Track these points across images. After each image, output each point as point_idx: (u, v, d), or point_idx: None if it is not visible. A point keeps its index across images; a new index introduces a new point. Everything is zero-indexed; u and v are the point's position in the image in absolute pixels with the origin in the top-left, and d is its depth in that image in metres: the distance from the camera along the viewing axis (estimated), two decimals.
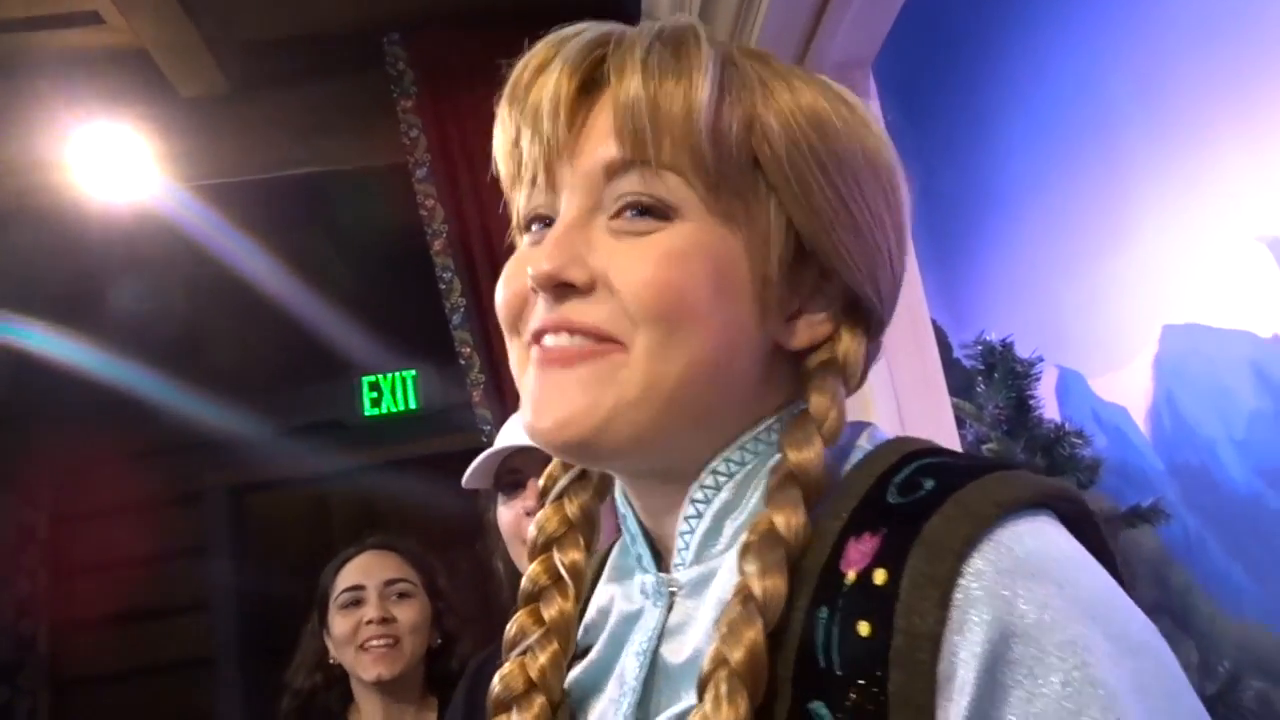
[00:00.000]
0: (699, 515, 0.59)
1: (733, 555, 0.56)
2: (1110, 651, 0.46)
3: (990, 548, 0.48)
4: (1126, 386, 2.32)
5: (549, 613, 0.64)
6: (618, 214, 0.57)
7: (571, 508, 0.67)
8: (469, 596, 1.78)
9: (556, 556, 0.65)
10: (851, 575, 0.51)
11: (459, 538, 1.70)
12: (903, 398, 1.75)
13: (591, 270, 0.57)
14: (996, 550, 0.48)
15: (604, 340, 0.56)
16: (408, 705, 1.92)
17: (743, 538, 0.55)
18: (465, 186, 2.71)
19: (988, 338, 2.33)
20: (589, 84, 0.58)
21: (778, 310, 0.59)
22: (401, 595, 1.93)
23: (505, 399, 2.60)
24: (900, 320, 0.66)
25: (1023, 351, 2.38)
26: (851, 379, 0.61)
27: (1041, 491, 0.52)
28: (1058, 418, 2.46)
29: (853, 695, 0.49)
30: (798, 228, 0.58)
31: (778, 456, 0.58)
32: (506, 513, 1.51)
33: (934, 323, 2.20)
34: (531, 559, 0.66)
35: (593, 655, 0.64)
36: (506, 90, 0.61)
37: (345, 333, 3.64)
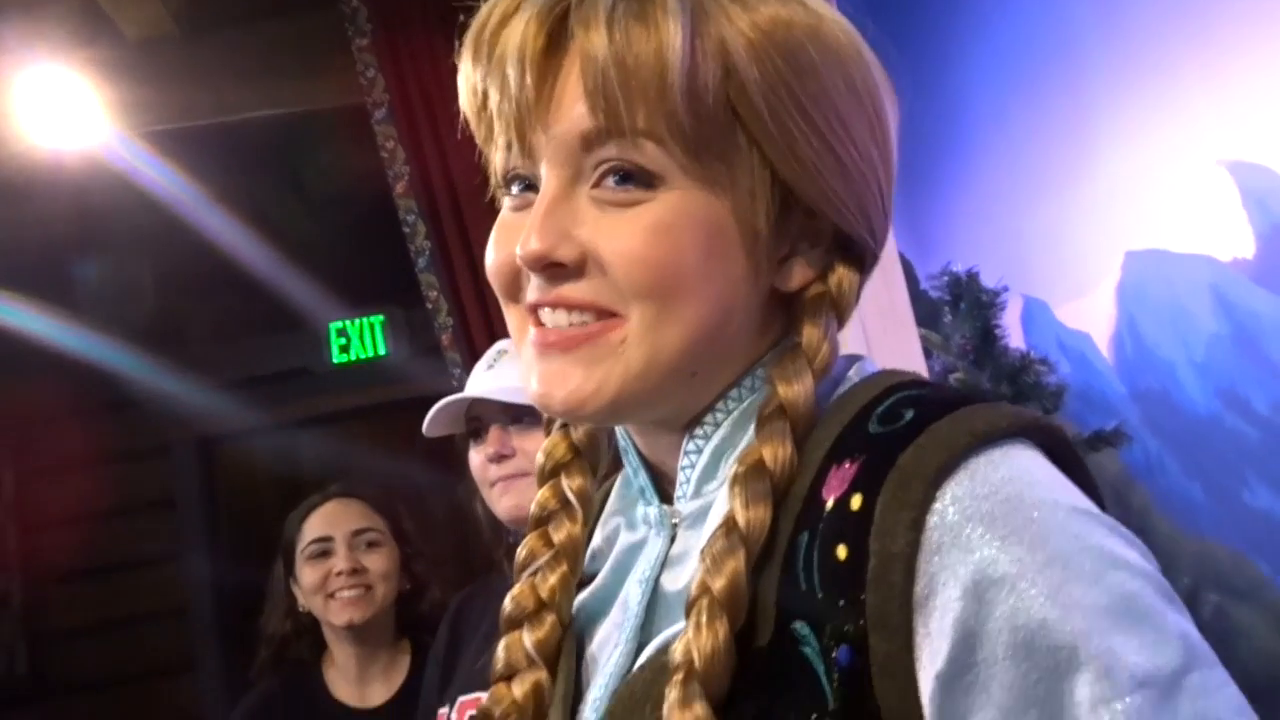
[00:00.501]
0: (699, 451, 0.61)
1: (722, 492, 0.58)
2: (1088, 571, 0.47)
3: (965, 475, 0.50)
4: (1090, 313, 2.33)
5: (558, 536, 0.66)
6: (598, 182, 0.56)
7: (577, 434, 0.68)
8: (442, 539, 1.79)
9: (564, 482, 0.67)
10: (830, 501, 0.53)
11: (432, 482, 1.71)
12: (870, 330, 1.76)
13: (580, 245, 0.56)
14: (971, 478, 0.49)
15: (602, 314, 0.57)
16: (380, 649, 1.94)
17: (733, 469, 0.57)
18: (425, 127, 2.65)
19: (954, 269, 2.33)
20: (556, 36, 0.56)
21: (770, 259, 0.59)
22: (370, 544, 1.93)
23: (474, 342, 2.58)
24: None
25: (988, 281, 2.39)
26: (845, 312, 0.62)
27: (1017, 422, 0.53)
28: (1024, 346, 2.48)
29: (833, 616, 0.50)
30: (783, 178, 0.57)
31: (769, 390, 0.59)
32: (474, 458, 1.54)
33: (900, 254, 2.20)
34: (541, 484, 0.68)
35: (598, 581, 0.66)
36: (469, 41, 0.59)
37: (309, 279, 3.59)
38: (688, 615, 0.54)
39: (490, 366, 1.56)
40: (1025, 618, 0.46)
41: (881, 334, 1.69)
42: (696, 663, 0.52)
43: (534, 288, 0.58)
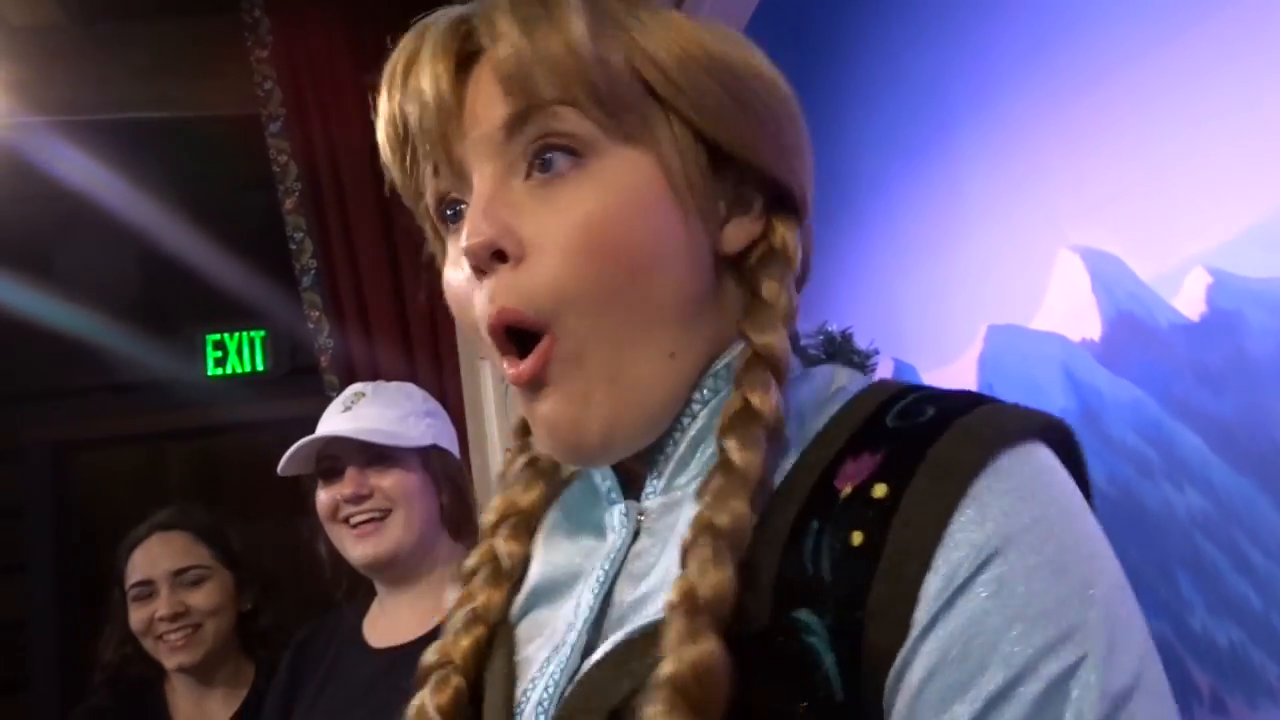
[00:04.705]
0: (675, 444, 0.59)
1: (695, 486, 0.55)
2: (1079, 578, 0.47)
3: (991, 472, 0.48)
4: (953, 380, 2.45)
5: (479, 600, 0.64)
6: (529, 172, 0.57)
7: (530, 496, 0.67)
8: (314, 562, 1.76)
9: (499, 544, 0.65)
10: (848, 489, 0.51)
11: (305, 502, 1.69)
12: None
13: (522, 240, 0.55)
14: (996, 475, 0.48)
15: (541, 333, 0.55)
16: (219, 674, 1.89)
17: (717, 421, 0.56)
18: (321, 144, 2.63)
19: (829, 328, 2.42)
20: (465, 60, 0.58)
21: (708, 221, 0.59)
22: (195, 581, 1.87)
23: (354, 365, 2.55)
24: None
25: (863, 343, 2.49)
26: (793, 264, 0.61)
27: (1037, 423, 0.52)
28: None
29: (839, 602, 0.48)
30: (705, 134, 0.58)
31: (741, 344, 0.58)
32: (324, 496, 1.54)
33: None
34: (483, 539, 0.67)
35: (540, 583, 0.63)
36: (384, 77, 0.60)
37: (189, 286, 3.48)
38: (686, 558, 0.50)
39: (347, 409, 1.57)
40: (1011, 609, 0.46)
41: None
42: (702, 597, 0.48)
43: (479, 305, 0.56)
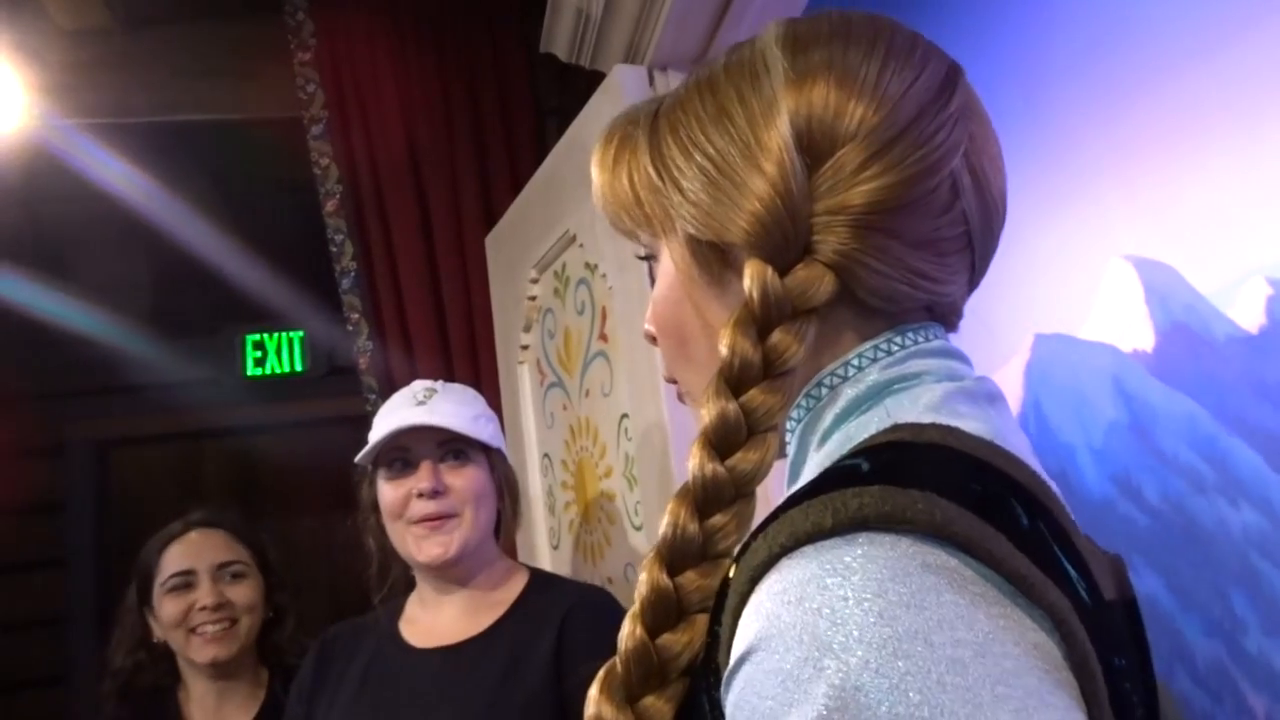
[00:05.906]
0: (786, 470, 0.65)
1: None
2: (803, 691, 0.44)
3: (776, 571, 0.48)
4: (1001, 390, 2.36)
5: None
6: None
7: None
8: (349, 562, 1.75)
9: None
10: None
11: (341, 502, 1.68)
12: None
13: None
14: (779, 573, 0.48)
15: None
16: (241, 680, 1.86)
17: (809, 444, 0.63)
18: (362, 148, 2.63)
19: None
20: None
21: (724, 286, 0.68)
22: (235, 576, 1.86)
23: (391, 368, 2.55)
24: None
25: None
26: (751, 306, 0.59)
27: (855, 516, 0.47)
28: None
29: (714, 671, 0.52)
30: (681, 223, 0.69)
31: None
32: (392, 490, 1.51)
33: None
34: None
35: None
36: None
37: (229, 287, 3.51)
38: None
39: (421, 402, 1.54)
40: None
41: None
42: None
43: None
